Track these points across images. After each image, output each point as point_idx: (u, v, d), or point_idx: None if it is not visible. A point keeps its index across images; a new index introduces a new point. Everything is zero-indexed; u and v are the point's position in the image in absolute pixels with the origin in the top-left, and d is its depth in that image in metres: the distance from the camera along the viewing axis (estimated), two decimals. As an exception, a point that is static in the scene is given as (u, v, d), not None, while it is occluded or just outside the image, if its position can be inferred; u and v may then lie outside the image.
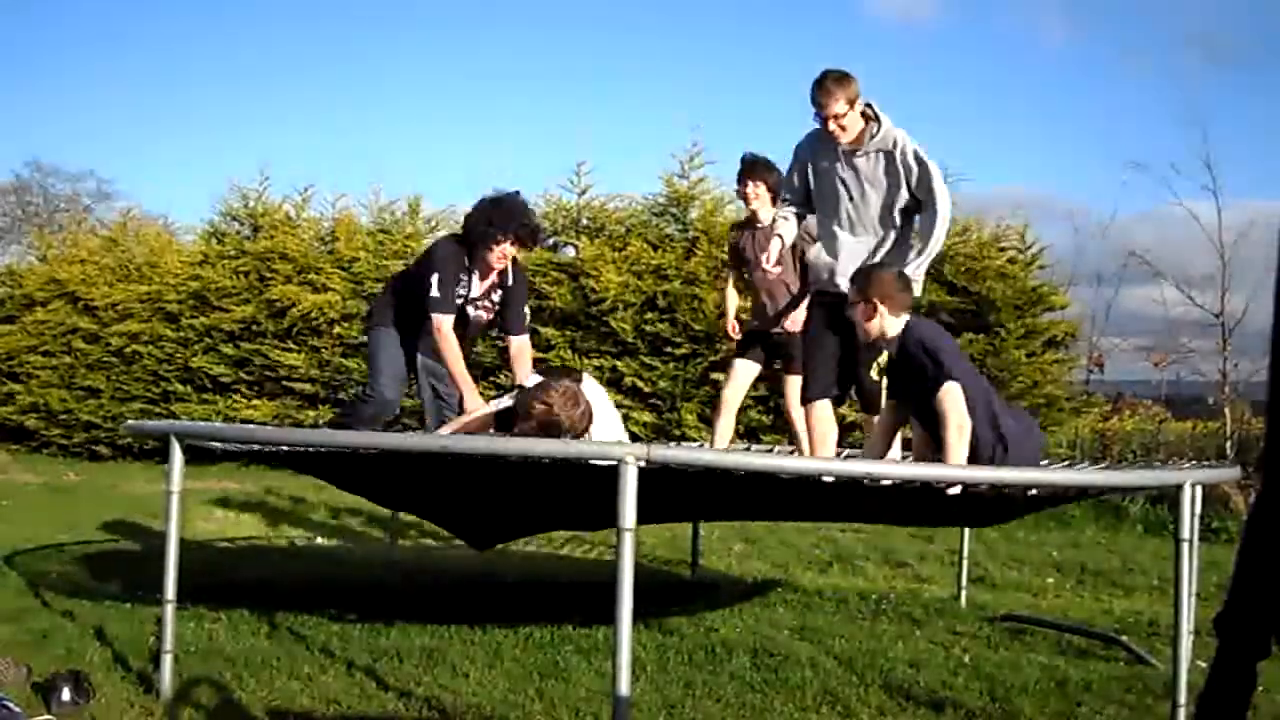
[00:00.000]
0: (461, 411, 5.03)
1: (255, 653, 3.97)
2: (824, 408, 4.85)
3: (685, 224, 10.91)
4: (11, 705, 3.17)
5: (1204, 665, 2.56)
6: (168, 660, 3.51)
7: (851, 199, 4.72)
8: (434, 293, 4.96)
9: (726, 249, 6.40)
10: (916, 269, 4.62)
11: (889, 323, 4.24)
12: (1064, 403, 9.85)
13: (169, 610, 3.53)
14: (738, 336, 6.29)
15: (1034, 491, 3.77)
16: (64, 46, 43.17)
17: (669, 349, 10.18)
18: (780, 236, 4.93)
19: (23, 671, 3.49)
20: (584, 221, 11.33)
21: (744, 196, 6.00)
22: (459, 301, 5.09)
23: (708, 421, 9.82)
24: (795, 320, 5.70)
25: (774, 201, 5.80)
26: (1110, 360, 12.25)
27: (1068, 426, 9.91)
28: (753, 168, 5.91)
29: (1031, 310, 9.70)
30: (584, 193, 11.35)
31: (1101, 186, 39.37)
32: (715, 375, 9.82)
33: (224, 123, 43.69)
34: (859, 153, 4.65)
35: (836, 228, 4.80)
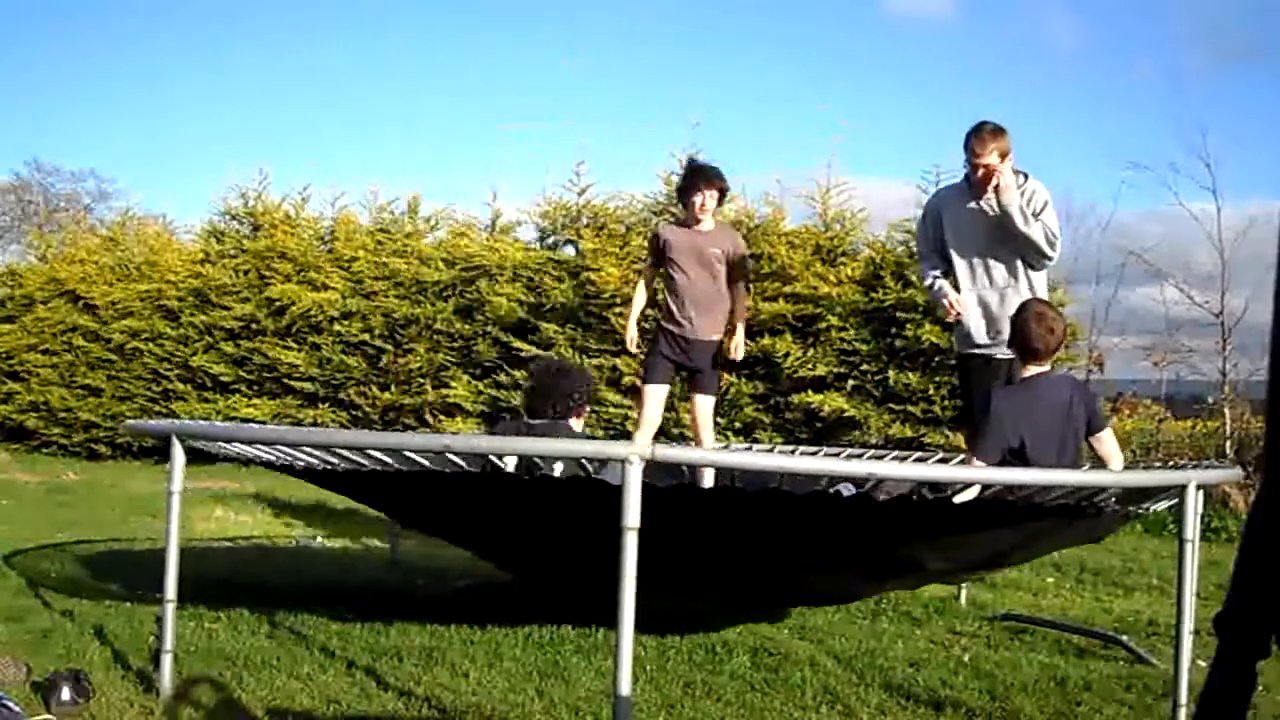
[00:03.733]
0: None
1: (255, 652, 3.96)
2: None
3: (685, 223, 10.89)
4: (11, 705, 3.17)
5: (1204, 665, 2.56)
6: (167, 660, 3.51)
7: (1002, 244, 4.91)
8: None
9: (648, 242, 5.76)
10: (1025, 219, 4.81)
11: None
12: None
13: (169, 610, 3.53)
14: (636, 350, 6.05)
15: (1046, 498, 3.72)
16: (64, 46, 43.19)
17: (669, 348, 10.17)
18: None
19: (22, 671, 3.49)
20: (584, 220, 11.33)
21: (690, 205, 5.49)
22: None
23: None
24: (715, 329, 5.58)
25: (720, 204, 5.71)
26: (1110, 360, 12.24)
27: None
28: (709, 176, 5.50)
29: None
30: (583, 192, 11.36)
31: (1102, 185, 39.41)
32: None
33: (224, 122, 43.67)
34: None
35: (966, 284, 5.00)
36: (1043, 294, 4.99)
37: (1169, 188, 18.84)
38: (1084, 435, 4.34)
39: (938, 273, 5.13)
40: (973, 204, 4.95)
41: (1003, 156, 4.82)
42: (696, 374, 5.67)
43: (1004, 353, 4.79)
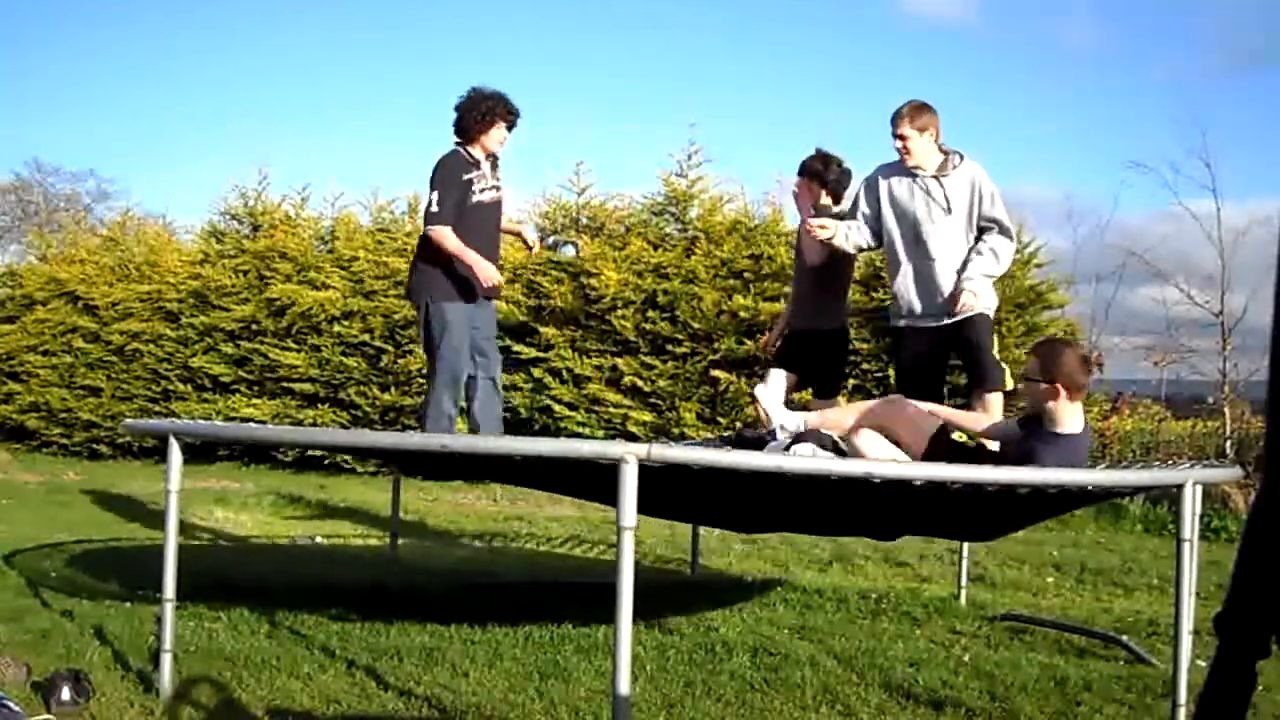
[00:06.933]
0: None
1: (255, 652, 3.97)
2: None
3: (684, 223, 10.92)
4: (11, 705, 3.17)
5: (1204, 665, 2.56)
6: (167, 659, 3.51)
7: (931, 219, 4.97)
8: (433, 208, 5.20)
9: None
10: (988, 274, 4.91)
11: (1065, 409, 3.89)
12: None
13: (168, 609, 3.53)
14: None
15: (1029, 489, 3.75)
16: (64, 46, 43.17)
17: (669, 347, 10.18)
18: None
19: (22, 671, 3.49)
20: (583, 221, 11.34)
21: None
22: (479, 195, 5.29)
23: (707, 420, 9.83)
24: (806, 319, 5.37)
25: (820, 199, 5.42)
26: (1110, 360, 12.22)
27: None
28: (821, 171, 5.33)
29: (1031, 308, 9.71)
30: (583, 192, 11.37)
31: (1104, 185, 39.41)
32: (715, 374, 9.83)
33: (224, 123, 43.64)
34: (942, 178, 4.96)
35: (904, 256, 5.02)
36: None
37: (1170, 188, 18.88)
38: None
39: (846, 224, 5.11)
40: (909, 178, 4.99)
41: (920, 131, 4.87)
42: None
43: (937, 322, 4.91)
